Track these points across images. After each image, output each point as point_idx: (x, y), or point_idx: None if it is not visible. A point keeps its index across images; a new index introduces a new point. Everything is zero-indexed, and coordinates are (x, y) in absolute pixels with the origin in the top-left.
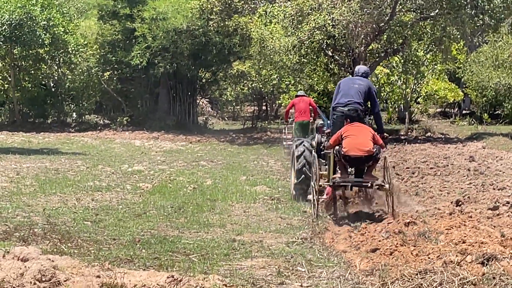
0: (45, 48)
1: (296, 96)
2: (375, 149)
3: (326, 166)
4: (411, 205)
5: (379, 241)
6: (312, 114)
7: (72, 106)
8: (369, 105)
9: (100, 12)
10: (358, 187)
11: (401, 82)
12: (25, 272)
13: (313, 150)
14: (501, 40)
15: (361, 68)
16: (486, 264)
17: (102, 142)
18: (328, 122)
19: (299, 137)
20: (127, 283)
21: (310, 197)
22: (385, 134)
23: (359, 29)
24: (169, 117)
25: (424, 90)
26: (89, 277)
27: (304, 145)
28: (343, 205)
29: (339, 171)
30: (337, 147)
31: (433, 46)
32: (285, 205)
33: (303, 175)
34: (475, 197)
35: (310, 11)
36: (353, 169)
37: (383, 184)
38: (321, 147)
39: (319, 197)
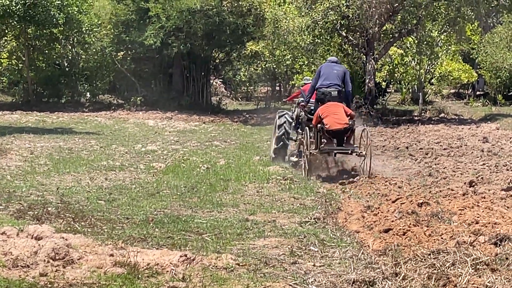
0: (59, 28)
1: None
2: (350, 122)
3: (301, 135)
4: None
5: (392, 221)
6: None
7: (86, 86)
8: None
9: None
10: (341, 154)
11: (415, 63)
12: (39, 250)
13: (293, 121)
14: None
15: (333, 58)
16: (499, 245)
17: (115, 122)
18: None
19: None
20: (140, 262)
21: (292, 158)
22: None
23: (373, 9)
24: (183, 97)
25: (438, 71)
26: (102, 255)
27: (285, 117)
28: (326, 167)
29: (325, 141)
30: (319, 125)
31: (447, 26)
32: (298, 185)
33: (281, 142)
34: (488, 178)
35: None
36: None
37: (361, 151)
38: (299, 119)
39: (299, 159)
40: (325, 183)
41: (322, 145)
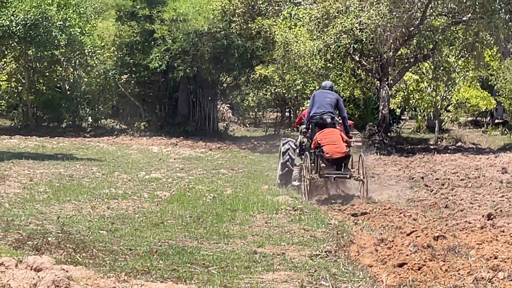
0: (61, 50)
1: None
2: (348, 149)
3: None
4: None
5: (407, 255)
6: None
7: (88, 110)
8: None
9: (118, 13)
10: (339, 178)
11: (431, 89)
12: (38, 282)
13: (297, 148)
14: None
15: (327, 83)
16: None
17: (118, 148)
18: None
19: None
20: None
21: (294, 183)
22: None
23: (388, 33)
24: (189, 122)
25: (455, 98)
26: None
27: (289, 144)
28: (326, 190)
29: (324, 166)
30: (318, 151)
31: (465, 52)
32: (309, 216)
33: (286, 168)
34: (507, 210)
35: (336, 14)
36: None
37: (358, 175)
38: (303, 146)
39: (300, 183)
40: (336, 214)
41: (322, 170)
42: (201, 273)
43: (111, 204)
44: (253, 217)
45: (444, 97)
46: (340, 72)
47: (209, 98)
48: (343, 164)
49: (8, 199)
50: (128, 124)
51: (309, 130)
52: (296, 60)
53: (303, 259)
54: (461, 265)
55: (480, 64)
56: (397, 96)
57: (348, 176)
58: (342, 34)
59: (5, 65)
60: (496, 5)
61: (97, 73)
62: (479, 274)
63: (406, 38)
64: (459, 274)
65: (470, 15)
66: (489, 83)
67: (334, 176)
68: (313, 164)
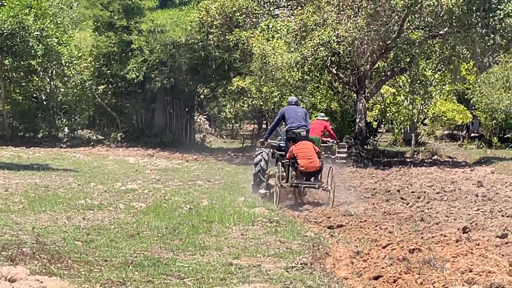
0: (38, 60)
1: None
2: (320, 163)
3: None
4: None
5: (382, 268)
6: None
7: (64, 120)
8: None
9: (95, 23)
10: (308, 188)
11: (408, 102)
12: None
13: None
14: None
15: (293, 98)
16: None
17: (94, 158)
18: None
19: None
20: None
21: (261, 191)
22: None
23: (365, 46)
24: (165, 133)
25: (432, 111)
26: None
27: (262, 155)
28: (297, 198)
29: (295, 175)
30: (292, 161)
31: (442, 65)
32: (285, 228)
33: (258, 179)
34: (483, 224)
35: (314, 27)
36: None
37: (327, 186)
38: (274, 156)
39: (266, 191)
40: (312, 226)
41: (293, 179)
42: (177, 284)
43: (87, 215)
44: (229, 228)
45: (420, 111)
46: (317, 85)
47: (186, 109)
48: (313, 175)
49: None
50: (105, 134)
51: (266, 140)
52: (273, 72)
53: (278, 271)
54: (436, 278)
55: (456, 78)
56: (373, 109)
57: (317, 186)
58: (320, 46)
59: None
60: (473, 20)
61: (74, 83)
62: (454, 287)
63: (383, 51)
64: (434, 287)
65: (446, 29)
66: (466, 96)
67: (304, 186)
68: (284, 174)
